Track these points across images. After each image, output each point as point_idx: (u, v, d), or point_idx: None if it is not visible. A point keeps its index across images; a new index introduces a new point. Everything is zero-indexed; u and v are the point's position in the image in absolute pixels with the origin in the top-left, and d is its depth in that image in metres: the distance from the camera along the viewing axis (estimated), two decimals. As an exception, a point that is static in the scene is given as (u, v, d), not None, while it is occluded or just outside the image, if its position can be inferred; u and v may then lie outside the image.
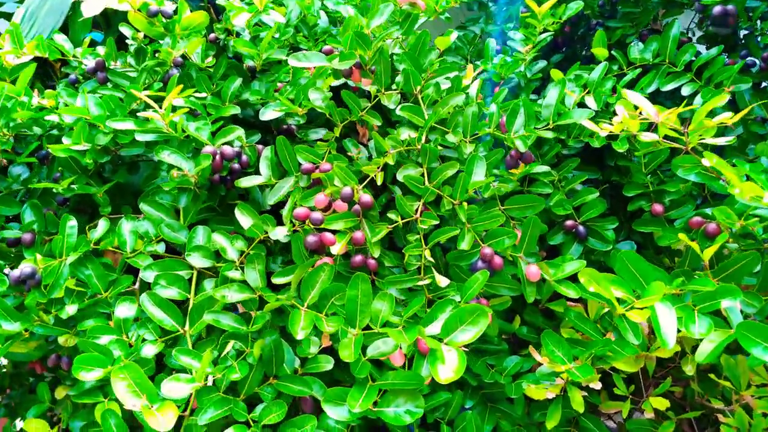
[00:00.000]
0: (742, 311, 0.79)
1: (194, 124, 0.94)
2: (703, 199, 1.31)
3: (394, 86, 1.08)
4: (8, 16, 1.47)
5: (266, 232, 0.83)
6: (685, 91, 1.24)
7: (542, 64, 1.47)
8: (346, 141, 1.10)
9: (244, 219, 0.85)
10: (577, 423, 1.10)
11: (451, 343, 0.70)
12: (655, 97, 1.43)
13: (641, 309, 0.73)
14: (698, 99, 1.22)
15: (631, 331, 0.90)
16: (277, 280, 0.86)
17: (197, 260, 0.85)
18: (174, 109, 0.94)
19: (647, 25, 1.64)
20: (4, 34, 1.16)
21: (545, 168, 1.12)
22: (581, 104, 1.24)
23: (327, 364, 0.81)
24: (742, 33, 1.57)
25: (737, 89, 1.21)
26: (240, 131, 0.95)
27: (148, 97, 0.93)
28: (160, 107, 0.90)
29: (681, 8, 1.62)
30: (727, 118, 0.91)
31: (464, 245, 0.89)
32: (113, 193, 1.15)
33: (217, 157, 0.92)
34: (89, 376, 0.72)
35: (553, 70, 1.25)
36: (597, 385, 1.03)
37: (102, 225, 0.92)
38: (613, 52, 1.35)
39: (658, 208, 1.17)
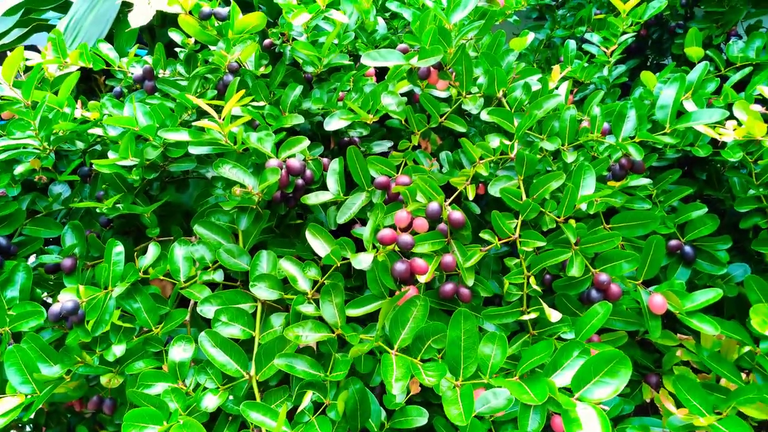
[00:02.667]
0: None
1: (256, 134, 0.82)
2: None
3: (474, 89, 0.95)
4: (49, 28, 1.40)
5: (345, 258, 0.69)
6: (803, 91, 1.08)
7: (623, 68, 1.33)
8: (418, 153, 0.98)
9: (318, 243, 0.72)
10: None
11: (584, 399, 0.56)
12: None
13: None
14: (818, 101, 1.06)
15: (784, 375, 0.74)
16: (351, 312, 0.72)
17: (263, 291, 0.73)
18: (232, 118, 0.83)
19: (735, 25, 1.48)
20: (46, 44, 1.08)
21: (646, 180, 0.98)
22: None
23: (420, 417, 0.67)
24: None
25: None
26: (306, 142, 0.83)
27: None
28: (217, 116, 0.78)
29: (768, 7, 1.47)
30: None
31: (575, 271, 0.74)
32: (160, 214, 1.04)
33: (283, 171, 0.80)
34: (141, 434, 0.60)
35: (644, 72, 1.11)
36: (724, 437, 0.87)
37: (152, 251, 0.81)
38: (708, 52, 1.20)
39: (778, 225, 1.01)
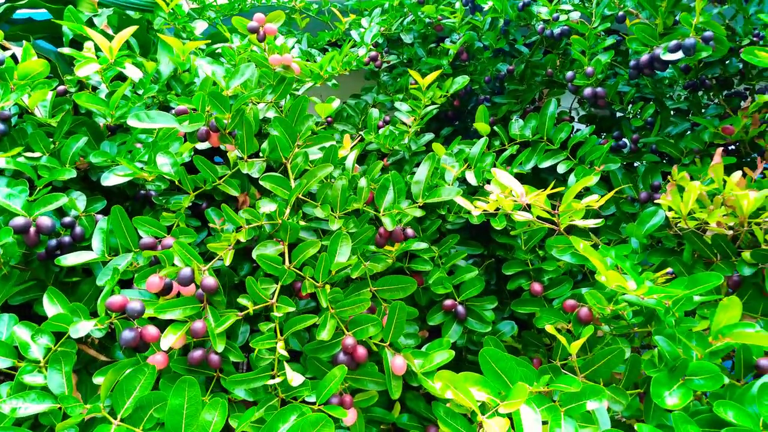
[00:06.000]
0: (609, 408, 0.75)
1: (7, 190, 0.79)
2: (583, 276, 1.32)
3: (261, 153, 1.00)
4: None
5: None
6: (561, 168, 1.25)
7: (429, 136, 1.44)
8: (209, 211, 0.99)
9: (54, 309, 0.70)
10: None
11: (290, 461, 0.59)
12: (539, 173, 1.45)
13: (506, 414, 0.66)
14: (572, 177, 1.24)
15: None
16: (97, 380, 0.71)
17: (-11, 360, 0.69)
18: (-11, 170, 0.79)
19: (532, 102, 1.69)
20: None
21: (424, 244, 1.07)
22: (462, 179, 1.21)
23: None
24: (619, 115, 1.66)
25: (608, 168, 1.23)
26: (65, 199, 0.81)
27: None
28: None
29: (563, 88, 1.69)
30: (593, 200, 0.90)
31: (324, 335, 0.79)
32: None
33: (31, 230, 0.77)
34: None
35: (434, 144, 1.23)
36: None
37: None
38: (495, 127, 1.36)
39: (537, 287, 1.15)
